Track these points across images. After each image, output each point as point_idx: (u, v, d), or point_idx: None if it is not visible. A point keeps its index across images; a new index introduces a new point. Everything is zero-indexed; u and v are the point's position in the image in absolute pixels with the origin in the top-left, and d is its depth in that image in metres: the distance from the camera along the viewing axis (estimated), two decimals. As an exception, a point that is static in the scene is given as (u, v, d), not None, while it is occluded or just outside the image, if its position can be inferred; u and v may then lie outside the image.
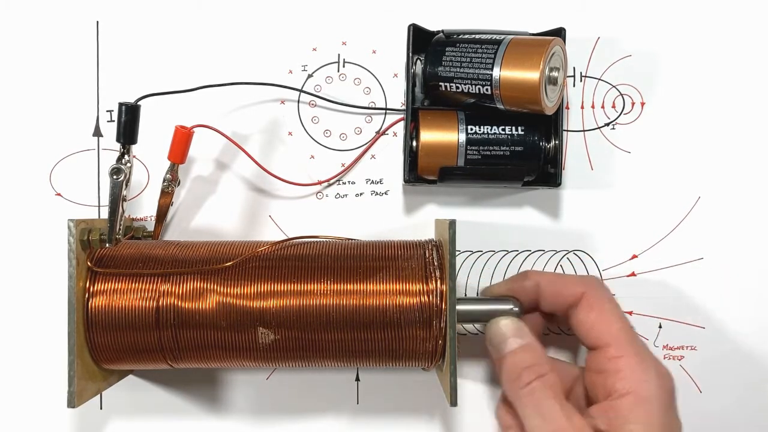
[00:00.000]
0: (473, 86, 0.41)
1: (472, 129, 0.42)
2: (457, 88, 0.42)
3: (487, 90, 0.41)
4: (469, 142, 0.42)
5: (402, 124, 0.46)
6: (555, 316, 0.43)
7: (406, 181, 0.44)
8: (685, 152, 0.47)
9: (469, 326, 0.46)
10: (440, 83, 0.42)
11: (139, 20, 0.47)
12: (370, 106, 0.47)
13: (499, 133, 0.43)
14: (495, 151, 0.43)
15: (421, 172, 0.44)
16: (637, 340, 0.38)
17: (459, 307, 0.39)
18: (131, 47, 0.47)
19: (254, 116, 0.47)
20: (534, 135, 0.43)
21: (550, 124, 0.44)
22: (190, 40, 0.47)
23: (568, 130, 0.47)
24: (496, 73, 0.40)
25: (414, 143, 0.43)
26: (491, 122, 0.43)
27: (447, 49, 0.42)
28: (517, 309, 0.40)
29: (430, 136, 0.43)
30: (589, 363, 0.38)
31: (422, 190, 0.47)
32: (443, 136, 0.43)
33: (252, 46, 0.47)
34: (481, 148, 0.42)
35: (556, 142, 0.43)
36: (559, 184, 0.44)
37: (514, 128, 0.43)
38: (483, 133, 0.43)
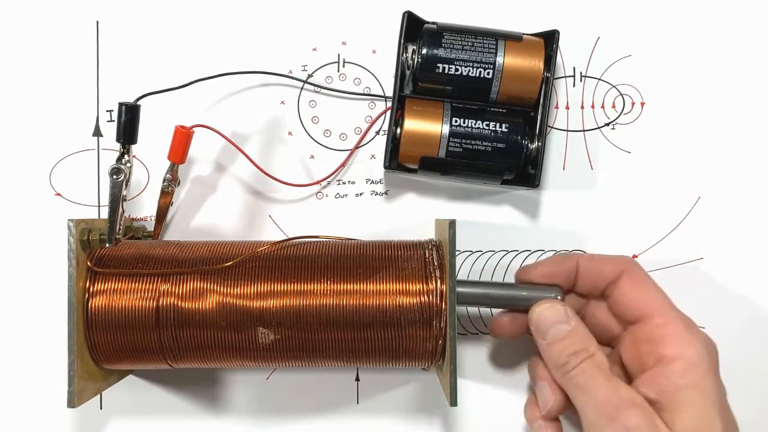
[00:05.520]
0: (474, 69, 0.42)
1: (456, 121, 0.43)
2: (456, 70, 0.42)
3: (488, 74, 0.42)
4: (452, 134, 0.42)
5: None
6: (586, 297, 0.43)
7: (386, 167, 0.44)
8: (685, 152, 0.47)
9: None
10: (438, 64, 0.42)
11: (139, 20, 0.47)
12: (370, 93, 0.47)
13: (483, 129, 0.43)
14: (477, 145, 0.43)
15: (402, 159, 0.44)
16: (676, 308, 0.39)
17: (501, 292, 0.41)
18: (131, 47, 0.47)
19: (254, 116, 0.47)
20: (517, 134, 0.43)
21: (535, 126, 0.44)
22: (190, 40, 0.47)
23: (568, 130, 0.47)
24: (500, 59, 0.42)
25: (398, 130, 0.43)
26: (477, 116, 0.43)
27: (444, 33, 0.42)
28: (560, 297, 0.41)
29: (413, 125, 0.43)
30: (632, 337, 0.39)
31: (423, 191, 0.47)
32: (427, 126, 0.43)
33: (252, 46, 0.47)
34: (463, 141, 0.43)
35: (539, 143, 0.43)
36: (538, 186, 0.44)
37: (498, 125, 0.43)
38: (467, 126, 0.43)
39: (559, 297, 0.40)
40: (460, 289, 0.40)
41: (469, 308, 0.47)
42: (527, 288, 0.41)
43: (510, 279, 0.47)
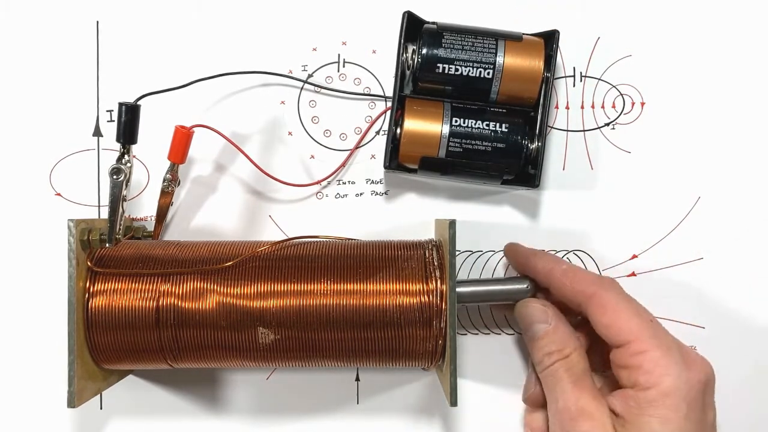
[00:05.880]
0: (474, 69, 0.42)
1: (456, 121, 0.43)
2: (456, 70, 0.42)
3: (488, 74, 0.42)
4: (453, 134, 0.42)
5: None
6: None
7: (386, 167, 0.44)
8: (685, 152, 0.47)
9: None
10: (438, 64, 0.42)
11: (139, 20, 0.47)
12: (370, 93, 0.47)
13: (483, 129, 0.43)
14: (477, 145, 0.43)
15: (402, 159, 0.44)
16: (660, 333, 0.37)
17: (474, 289, 0.41)
18: (131, 47, 0.47)
19: (254, 116, 0.47)
20: (518, 134, 0.43)
21: (535, 126, 0.44)
22: (191, 40, 0.47)
23: (568, 130, 0.47)
24: (500, 59, 0.42)
25: (398, 130, 0.43)
26: (477, 116, 0.43)
27: (444, 33, 0.42)
28: (529, 287, 0.42)
29: (413, 124, 0.43)
30: (613, 358, 0.38)
31: (423, 191, 0.47)
32: (427, 126, 0.43)
33: (252, 46, 0.47)
34: (463, 141, 0.43)
35: (539, 143, 0.43)
36: (538, 186, 0.44)
37: (498, 125, 0.43)
38: (467, 126, 0.43)
39: (528, 287, 0.42)
40: None
41: (468, 308, 0.47)
42: (500, 282, 0.43)
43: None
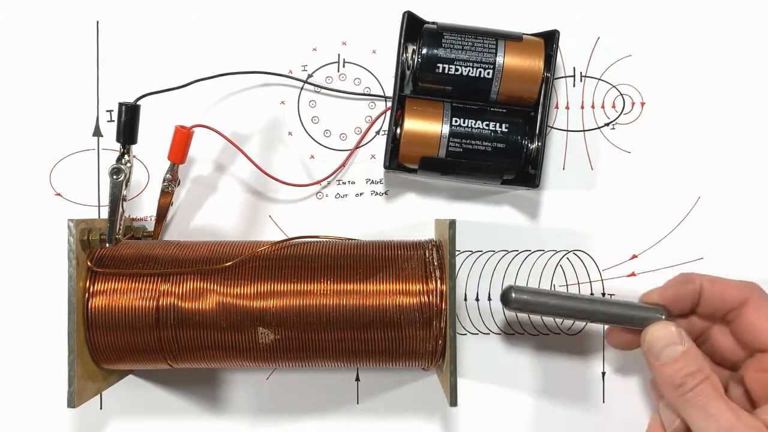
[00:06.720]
0: (474, 69, 0.42)
1: (456, 121, 0.43)
2: (456, 70, 0.42)
3: (488, 74, 0.42)
4: (453, 134, 0.43)
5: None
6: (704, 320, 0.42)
7: (386, 167, 0.44)
8: (685, 152, 0.47)
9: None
10: (438, 64, 0.42)
11: (139, 20, 0.47)
12: (370, 93, 0.47)
13: (483, 129, 0.43)
14: (477, 145, 0.43)
15: (402, 159, 0.44)
16: None
17: (611, 310, 0.40)
18: (131, 47, 0.47)
19: (254, 116, 0.47)
20: (517, 134, 0.43)
21: (535, 126, 0.44)
22: (191, 40, 0.47)
23: (568, 130, 0.47)
24: (500, 59, 0.42)
25: (398, 130, 0.43)
26: (477, 116, 0.43)
27: (444, 34, 0.42)
28: (664, 317, 0.40)
29: (413, 124, 0.43)
30: (758, 364, 0.39)
31: (423, 191, 0.47)
32: (427, 126, 0.43)
33: (252, 47, 0.47)
34: (463, 141, 0.43)
35: (539, 143, 0.43)
36: (538, 186, 0.44)
37: (498, 125, 0.43)
38: (467, 126, 0.43)
39: (663, 317, 0.40)
40: (570, 304, 0.40)
41: (468, 308, 0.47)
42: (632, 307, 0.41)
43: (510, 280, 0.47)
